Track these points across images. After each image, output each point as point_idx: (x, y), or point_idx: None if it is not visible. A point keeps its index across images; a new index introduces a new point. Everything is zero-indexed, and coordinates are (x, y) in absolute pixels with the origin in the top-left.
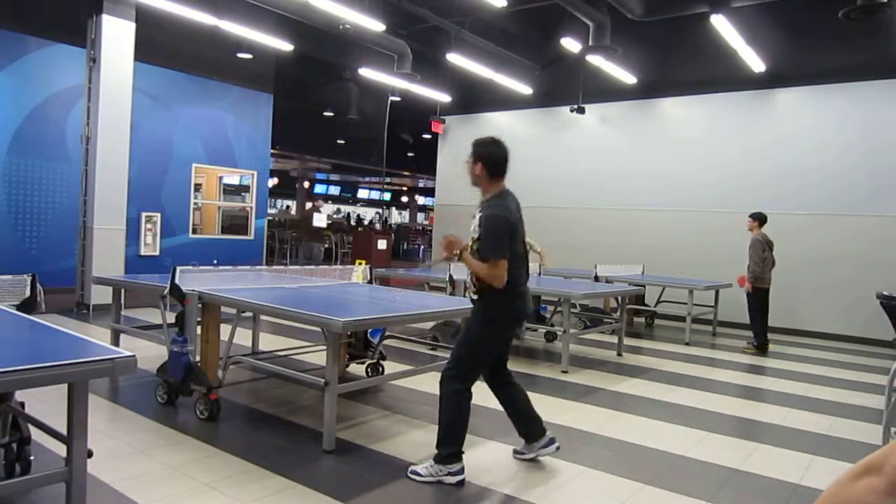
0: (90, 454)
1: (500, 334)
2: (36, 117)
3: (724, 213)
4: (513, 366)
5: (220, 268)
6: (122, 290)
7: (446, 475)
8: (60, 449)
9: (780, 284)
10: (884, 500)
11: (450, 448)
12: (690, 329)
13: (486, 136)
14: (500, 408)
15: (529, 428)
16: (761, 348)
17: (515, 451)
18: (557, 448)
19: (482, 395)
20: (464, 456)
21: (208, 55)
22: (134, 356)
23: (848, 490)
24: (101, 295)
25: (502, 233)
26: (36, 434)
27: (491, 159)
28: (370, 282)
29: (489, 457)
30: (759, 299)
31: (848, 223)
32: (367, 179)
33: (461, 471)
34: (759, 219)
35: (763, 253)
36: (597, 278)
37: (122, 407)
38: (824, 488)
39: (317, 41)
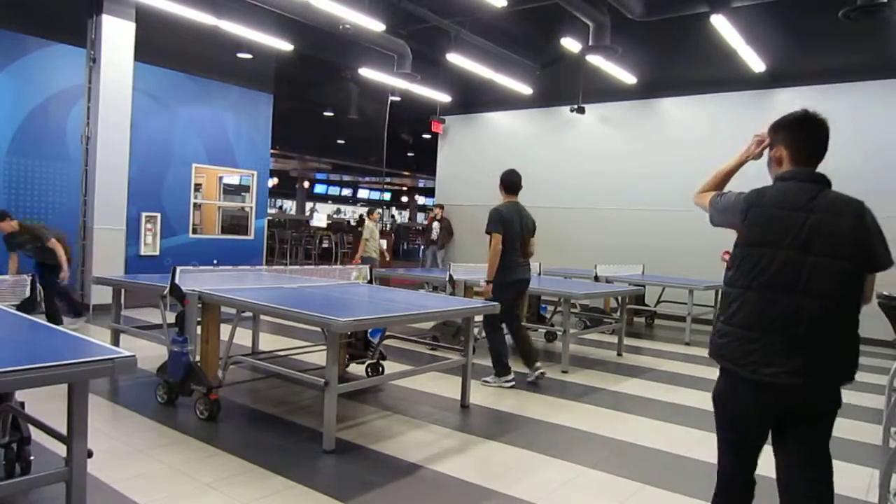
0: (90, 454)
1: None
2: (36, 117)
3: None
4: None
5: (220, 268)
6: (122, 290)
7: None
8: (60, 449)
9: None
10: None
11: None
12: (690, 329)
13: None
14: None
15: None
16: None
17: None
18: (542, 373)
19: (484, 396)
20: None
21: (208, 55)
22: (134, 356)
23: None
24: (101, 295)
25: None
26: (36, 434)
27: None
28: (370, 282)
29: (490, 457)
30: None
31: None
32: (367, 179)
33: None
34: None
35: None
36: (597, 278)
37: (122, 407)
38: None
39: (317, 41)
